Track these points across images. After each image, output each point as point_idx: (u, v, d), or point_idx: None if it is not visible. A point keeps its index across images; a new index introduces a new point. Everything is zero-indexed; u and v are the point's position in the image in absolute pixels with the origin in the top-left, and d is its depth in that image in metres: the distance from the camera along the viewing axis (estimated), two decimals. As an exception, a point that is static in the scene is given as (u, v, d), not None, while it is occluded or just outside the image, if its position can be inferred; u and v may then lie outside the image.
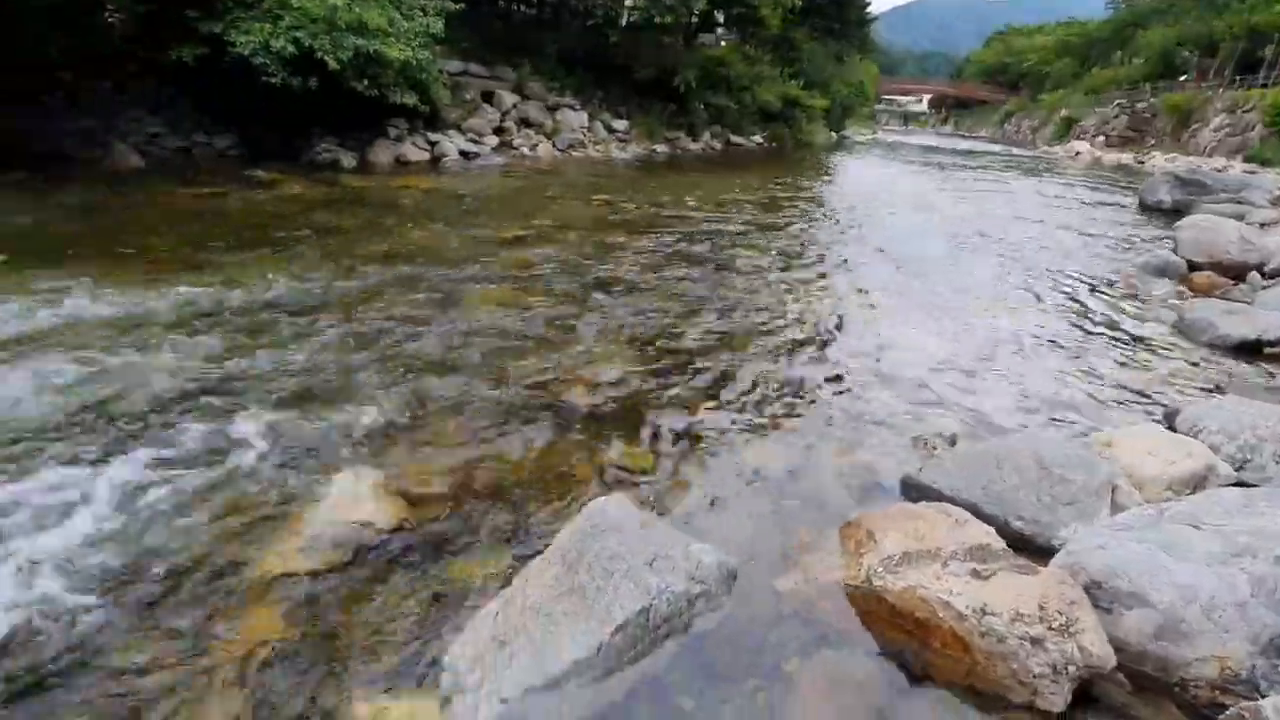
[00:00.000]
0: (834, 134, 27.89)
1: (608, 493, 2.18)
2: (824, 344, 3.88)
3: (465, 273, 4.78)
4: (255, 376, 2.99)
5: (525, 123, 13.69)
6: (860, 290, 5.07)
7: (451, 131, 11.65)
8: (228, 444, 2.46)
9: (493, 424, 2.73)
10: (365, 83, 8.67)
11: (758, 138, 20.51)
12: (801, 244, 6.66)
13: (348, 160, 9.44)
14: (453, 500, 2.25)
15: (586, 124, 14.91)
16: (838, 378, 3.37)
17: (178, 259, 4.58)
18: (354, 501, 2.17)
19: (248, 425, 2.57)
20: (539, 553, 1.94)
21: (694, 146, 17.55)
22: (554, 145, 13.54)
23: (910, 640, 1.77)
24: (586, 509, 1.97)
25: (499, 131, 12.88)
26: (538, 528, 2.16)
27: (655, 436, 2.70)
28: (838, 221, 8.24)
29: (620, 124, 15.90)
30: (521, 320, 3.90)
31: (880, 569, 1.86)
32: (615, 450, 2.57)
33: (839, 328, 4.19)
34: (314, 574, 1.94)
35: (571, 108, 14.90)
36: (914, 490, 2.37)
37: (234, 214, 6.11)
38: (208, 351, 3.20)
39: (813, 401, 3.12)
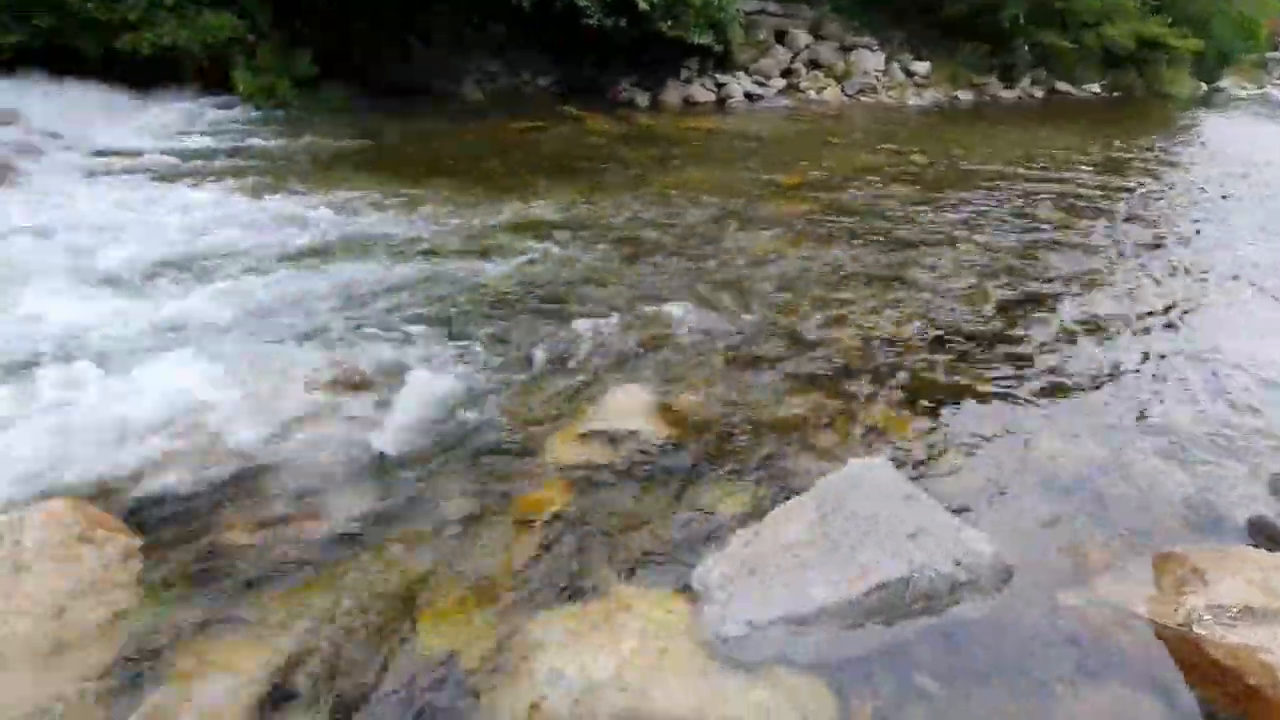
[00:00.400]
0: (1203, 85, 21.99)
1: (871, 454, 2.10)
2: (1167, 338, 3.21)
3: (743, 214, 4.84)
4: (558, 284, 3.43)
5: (815, 64, 13.09)
6: (1232, 279, 4.05)
7: (739, 73, 11.62)
8: (536, 338, 2.88)
9: (761, 363, 2.78)
10: (670, 23, 9.00)
11: (1095, 86, 17.05)
12: (1150, 216, 5.49)
13: (642, 99, 9.99)
14: (714, 428, 2.35)
15: (882, 66, 13.75)
16: (1180, 380, 2.78)
17: (507, 182, 5.36)
18: (628, 410, 2.39)
19: (550, 323, 3.00)
20: (790, 494, 1.96)
21: (1007, 94, 15.23)
22: (842, 89, 12.78)
23: (1231, 704, 1.46)
24: (850, 465, 1.93)
25: (787, 74, 12.52)
26: (791, 471, 2.17)
27: (933, 408, 2.51)
28: (1205, 195, 6.61)
29: (920, 66, 14.37)
30: (796, 266, 3.86)
31: (1207, 615, 1.54)
32: (884, 412, 2.46)
33: (1191, 322, 3.42)
34: (589, 465, 2.18)
35: (869, 48, 13.83)
36: (1268, 537, 1.90)
37: (548, 145, 6.90)
38: (522, 261, 3.72)
39: (1141, 405, 2.62)
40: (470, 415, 2.37)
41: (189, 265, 3.38)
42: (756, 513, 1.96)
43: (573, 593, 1.74)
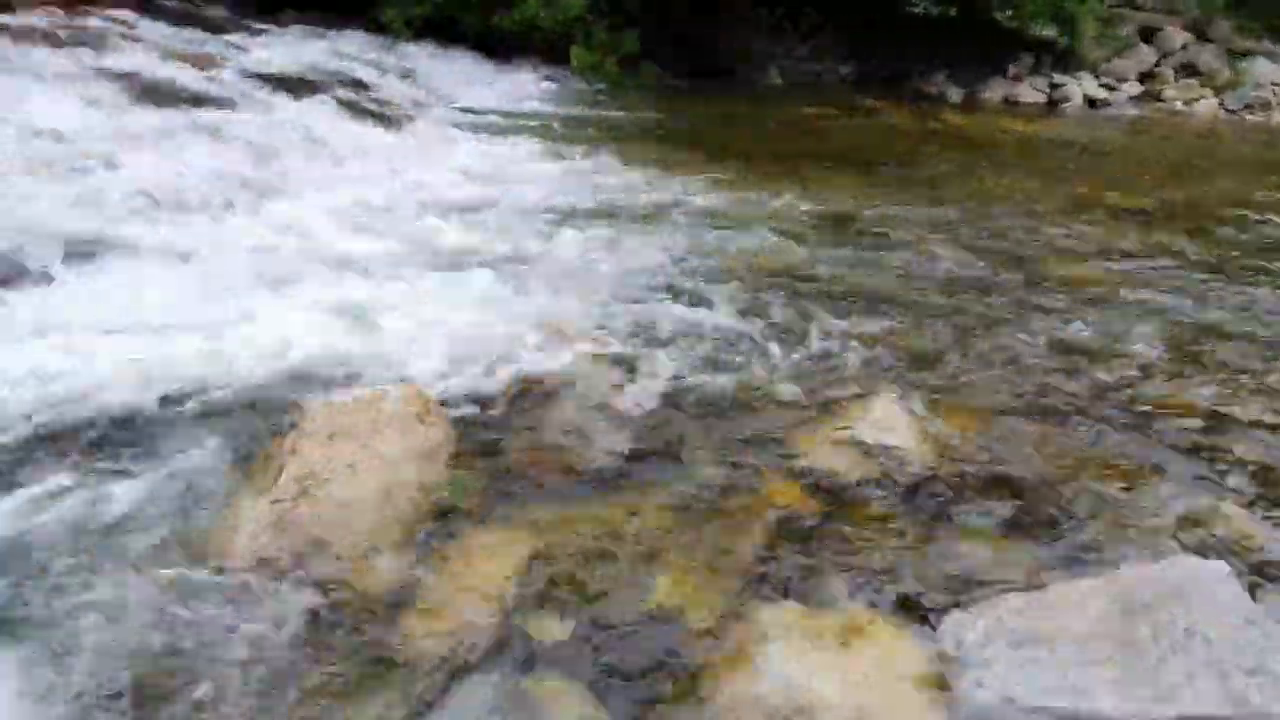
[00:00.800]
0: None
1: (1202, 553, 1.70)
2: None
3: (1052, 235, 4.26)
4: (844, 278, 3.40)
5: (1190, 70, 10.74)
6: None
7: (1083, 74, 10.00)
8: (819, 328, 2.87)
9: (1065, 410, 2.42)
10: (1008, 13, 8.05)
11: None
12: None
13: (953, 95, 9.14)
14: (990, 467, 2.10)
15: (1289, 78, 10.82)
16: None
17: (789, 167, 5.35)
18: (892, 423, 2.23)
19: (835, 316, 2.97)
20: (1075, 569, 1.71)
21: None
22: (1221, 102, 10.34)
23: None
24: (1172, 559, 1.59)
25: (1146, 78, 10.47)
26: (1083, 543, 1.85)
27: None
28: None
29: (1353, 81, 11.01)
30: (1131, 306, 3.31)
31: None
32: (1230, 507, 1.96)
33: None
34: (839, 471, 2.07)
35: (1273, 57, 10.96)
36: None
37: (846, 137, 6.73)
38: (811, 248, 3.75)
39: None
40: (739, 391, 2.42)
41: (560, 214, 3.95)
42: (1027, 579, 1.72)
43: (803, 596, 1.69)
